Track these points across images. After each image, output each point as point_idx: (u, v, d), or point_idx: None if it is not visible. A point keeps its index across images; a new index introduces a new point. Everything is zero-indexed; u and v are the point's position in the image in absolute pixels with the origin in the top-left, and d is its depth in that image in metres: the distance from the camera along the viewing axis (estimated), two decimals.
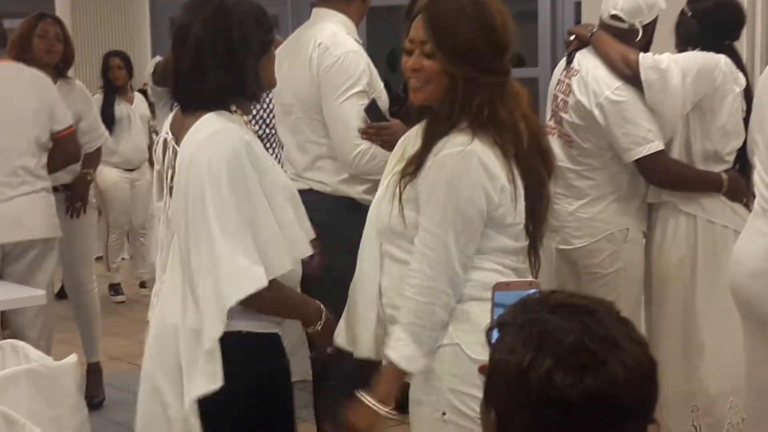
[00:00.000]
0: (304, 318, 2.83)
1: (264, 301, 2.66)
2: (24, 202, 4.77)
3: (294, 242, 2.74)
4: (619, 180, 4.30)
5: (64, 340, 5.94)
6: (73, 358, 3.03)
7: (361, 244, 2.72)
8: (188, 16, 2.75)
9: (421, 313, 2.51)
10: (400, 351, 2.52)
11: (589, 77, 4.24)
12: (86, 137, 5.42)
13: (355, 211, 3.60)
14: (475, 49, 2.55)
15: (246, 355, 2.72)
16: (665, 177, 4.25)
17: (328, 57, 3.86)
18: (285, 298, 2.77)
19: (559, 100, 4.37)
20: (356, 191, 3.86)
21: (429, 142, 2.56)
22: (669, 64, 4.12)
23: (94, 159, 5.64)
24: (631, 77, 4.14)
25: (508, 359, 1.44)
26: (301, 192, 3.92)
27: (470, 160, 2.48)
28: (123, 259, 8.89)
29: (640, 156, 4.16)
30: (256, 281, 2.60)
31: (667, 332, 4.33)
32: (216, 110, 2.73)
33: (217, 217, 2.59)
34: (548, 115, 4.47)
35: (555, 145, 4.34)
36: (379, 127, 3.77)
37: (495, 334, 1.51)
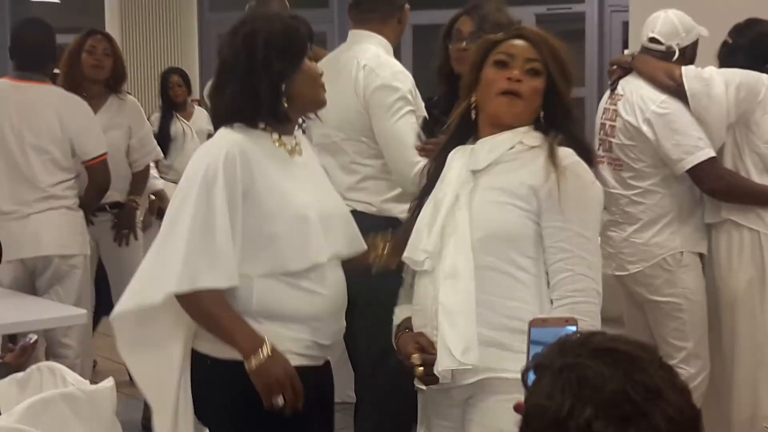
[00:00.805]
0: (235, 345, 2.74)
1: (187, 307, 2.73)
2: (40, 219, 4.78)
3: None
4: (672, 203, 4.29)
5: (111, 357, 5.95)
6: (109, 381, 3.00)
7: (448, 267, 2.61)
8: (224, 38, 2.89)
9: (589, 314, 2.54)
10: None
11: (634, 97, 4.30)
12: (136, 154, 5.44)
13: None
14: (573, 74, 2.71)
15: (209, 382, 2.79)
16: (719, 185, 4.24)
17: (375, 78, 3.90)
18: (211, 313, 2.73)
19: (606, 127, 4.42)
20: (400, 210, 3.84)
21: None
22: (712, 74, 4.19)
23: (141, 180, 5.62)
24: (676, 89, 4.19)
25: (545, 405, 1.38)
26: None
27: (585, 167, 2.65)
28: None
29: (693, 164, 4.17)
30: (176, 284, 2.68)
31: (738, 356, 4.29)
32: (234, 126, 2.81)
33: (175, 216, 2.73)
34: (597, 145, 4.49)
35: (605, 172, 4.39)
36: (436, 143, 3.77)
37: (531, 376, 1.45)
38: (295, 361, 2.78)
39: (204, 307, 2.74)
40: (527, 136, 2.67)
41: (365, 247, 3.00)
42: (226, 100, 2.83)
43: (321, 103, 2.93)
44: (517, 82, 2.64)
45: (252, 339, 2.72)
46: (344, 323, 2.95)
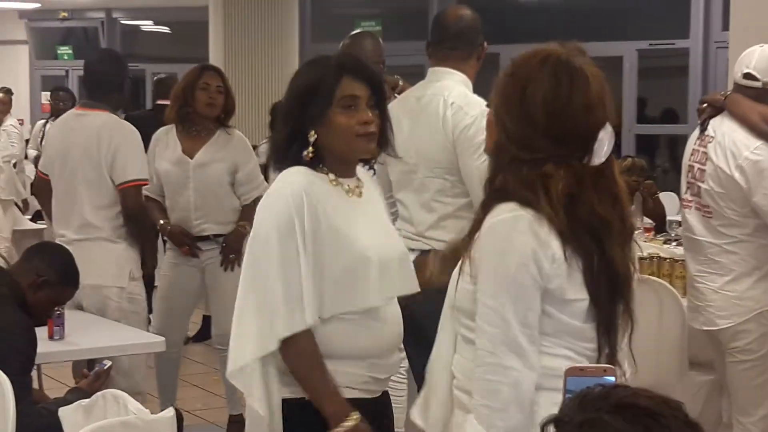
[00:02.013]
0: (322, 407, 2.74)
1: (286, 355, 2.73)
2: (78, 247, 4.77)
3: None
4: (767, 253, 4.09)
5: (192, 383, 6.00)
6: (169, 411, 3.01)
7: (440, 322, 2.55)
8: None
9: (487, 392, 2.25)
10: None
11: (726, 141, 4.09)
12: (243, 188, 5.45)
13: None
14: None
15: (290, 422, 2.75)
16: None
17: (464, 117, 3.91)
18: (308, 366, 2.74)
19: (695, 170, 4.22)
20: None
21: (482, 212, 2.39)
22: None
23: (250, 211, 5.62)
24: None
25: None
26: (422, 252, 3.86)
27: (519, 224, 2.26)
28: None
29: None
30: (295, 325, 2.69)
31: None
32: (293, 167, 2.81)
33: (260, 264, 2.74)
34: (683, 188, 4.32)
35: (693, 218, 4.21)
36: None
37: (551, 430, 1.40)
38: (350, 394, 2.79)
39: (301, 352, 2.74)
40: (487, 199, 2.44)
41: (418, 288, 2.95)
42: (274, 140, 2.89)
43: (364, 154, 2.86)
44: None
45: (343, 408, 2.74)
46: (401, 356, 2.95)
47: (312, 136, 2.78)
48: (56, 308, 4.03)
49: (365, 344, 2.81)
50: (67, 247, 4.69)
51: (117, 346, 4.41)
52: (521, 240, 2.24)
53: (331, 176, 2.83)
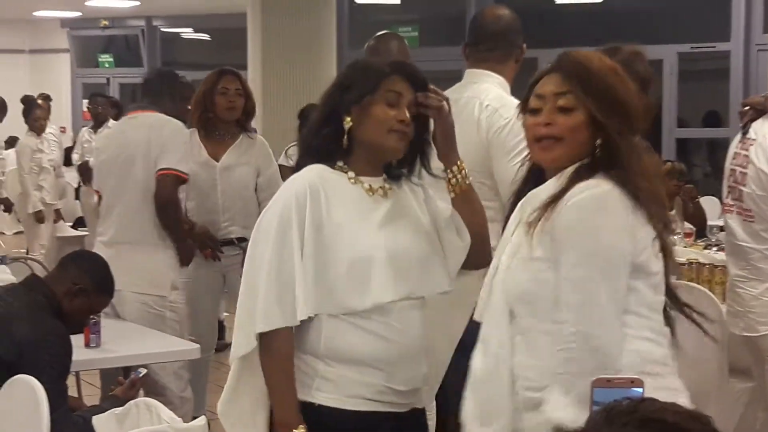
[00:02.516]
0: (275, 411, 2.74)
1: (261, 350, 2.73)
2: (119, 250, 4.81)
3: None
4: None
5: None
6: (201, 420, 3.01)
7: (481, 332, 2.50)
8: None
9: (569, 361, 2.29)
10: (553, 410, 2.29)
11: None
12: (264, 193, 5.46)
13: None
14: (628, 102, 2.45)
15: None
16: None
17: (498, 119, 3.81)
18: (275, 367, 2.72)
19: (737, 173, 4.19)
20: None
21: (560, 193, 2.39)
22: None
23: None
24: None
25: None
26: None
27: (609, 199, 2.34)
28: None
29: None
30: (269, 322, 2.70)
31: None
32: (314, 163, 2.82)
33: (254, 260, 2.79)
34: (725, 192, 4.26)
35: (735, 222, 4.16)
36: None
37: None
38: (366, 406, 2.73)
39: (273, 351, 2.72)
40: (570, 180, 2.43)
41: (450, 287, 2.89)
42: (302, 137, 2.90)
43: (392, 151, 2.82)
44: (547, 126, 2.45)
45: (293, 415, 2.71)
46: (425, 368, 2.85)
47: (347, 123, 2.77)
48: (92, 316, 4.04)
49: (377, 351, 2.73)
50: (108, 249, 4.72)
51: (152, 354, 4.41)
52: (615, 214, 2.33)
53: (351, 174, 2.81)
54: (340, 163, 2.82)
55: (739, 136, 4.26)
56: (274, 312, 2.69)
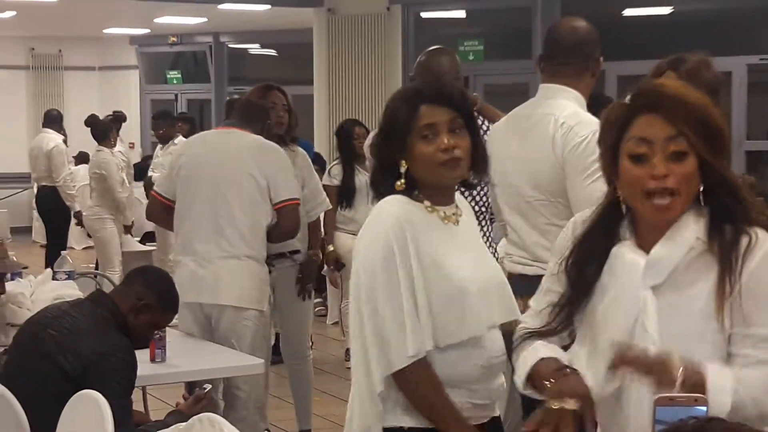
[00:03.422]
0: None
1: (404, 385, 2.71)
2: (223, 266, 4.82)
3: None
4: None
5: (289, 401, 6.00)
6: None
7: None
8: None
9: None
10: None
11: None
12: (308, 204, 5.50)
13: None
14: (724, 132, 2.30)
15: None
16: None
17: (574, 137, 3.72)
18: (425, 392, 2.70)
19: None
20: None
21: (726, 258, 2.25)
22: None
23: (315, 231, 5.74)
24: None
25: None
26: (539, 277, 3.75)
27: None
28: None
29: None
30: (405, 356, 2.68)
31: None
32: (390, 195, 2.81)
33: (368, 300, 2.73)
34: None
35: None
36: None
37: None
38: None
39: (420, 381, 2.72)
40: (700, 229, 2.29)
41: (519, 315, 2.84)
42: (370, 183, 2.92)
43: (450, 181, 2.81)
44: (664, 179, 2.24)
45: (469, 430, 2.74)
46: (502, 381, 2.87)
47: (403, 167, 2.76)
48: (157, 331, 4.06)
49: (465, 372, 2.77)
50: (207, 265, 4.74)
51: (217, 369, 4.43)
52: None
53: (427, 203, 2.80)
54: (416, 192, 2.81)
55: None
56: (407, 346, 2.68)
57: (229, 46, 16.09)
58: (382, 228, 2.75)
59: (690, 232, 2.28)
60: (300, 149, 5.65)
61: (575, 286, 2.40)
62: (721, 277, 2.23)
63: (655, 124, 2.26)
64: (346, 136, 7.90)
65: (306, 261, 5.57)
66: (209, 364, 4.42)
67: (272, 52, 16.31)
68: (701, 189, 2.27)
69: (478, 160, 2.83)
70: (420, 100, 2.77)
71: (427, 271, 2.71)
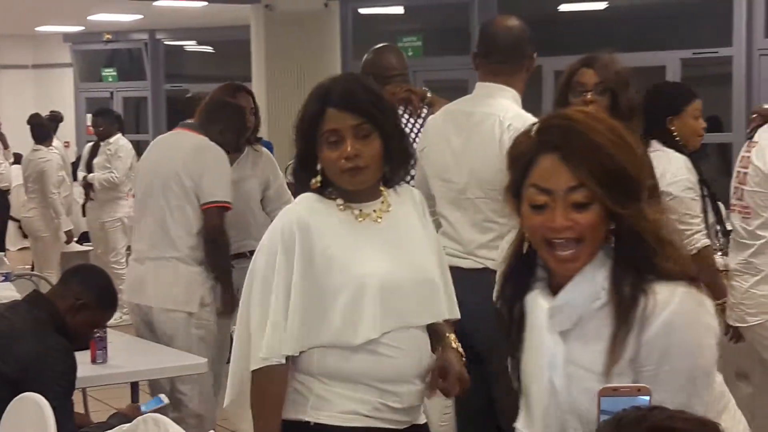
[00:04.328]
0: None
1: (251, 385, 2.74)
2: (150, 266, 4.83)
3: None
4: None
5: None
6: None
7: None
8: None
9: None
10: None
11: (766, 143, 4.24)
12: (273, 204, 5.45)
13: None
14: (638, 176, 2.10)
15: None
16: None
17: None
18: (264, 405, 2.73)
19: (740, 174, 4.39)
20: None
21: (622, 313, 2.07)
22: None
23: None
24: None
25: None
26: (474, 270, 3.73)
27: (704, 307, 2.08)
28: None
29: None
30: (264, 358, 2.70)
31: None
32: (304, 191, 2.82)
33: (248, 293, 2.77)
34: (731, 193, 4.48)
35: (736, 220, 4.40)
36: None
37: None
38: (362, 422, 2.72)
39: (261, 391, 2.74)
40: (605, 278, 2.10)
41: (449, 315, 2.86)
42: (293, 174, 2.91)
43: (353, 187, 2.74)
44: (566, 230, 2.08)
45: None
46: (420, 386, 2.80)
47: (319, 165, 2.76)
48: (96, 331, 4.02)
49: (371, 371, 2.72)
50: (140, 265, 4.70)
51: (159, 369, 4.40)
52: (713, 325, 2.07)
53: (339, 201, 2.77)
54: (329, 190, 2.78)
55: (747, 142, 4.49)
56: (262, 351, 2.69)
57: (165, 43, 15.97)
58: (275, 229, 2.77)
59: (596, 280, 2.11)
60: (264, 149, 5.61)
61: (510, 333, 2.28)
62: (613, 340, 2.04)
63: (557, 171, 2.08)
64: None
65: None
66: (151, 365, 4.39)
67: (209, 49, 16.22)
68: (612, 228, 2.10)
69: (396, 161, 2.80)
70: (326, 103, 2.72)
71: (320, 268, 2.69)
